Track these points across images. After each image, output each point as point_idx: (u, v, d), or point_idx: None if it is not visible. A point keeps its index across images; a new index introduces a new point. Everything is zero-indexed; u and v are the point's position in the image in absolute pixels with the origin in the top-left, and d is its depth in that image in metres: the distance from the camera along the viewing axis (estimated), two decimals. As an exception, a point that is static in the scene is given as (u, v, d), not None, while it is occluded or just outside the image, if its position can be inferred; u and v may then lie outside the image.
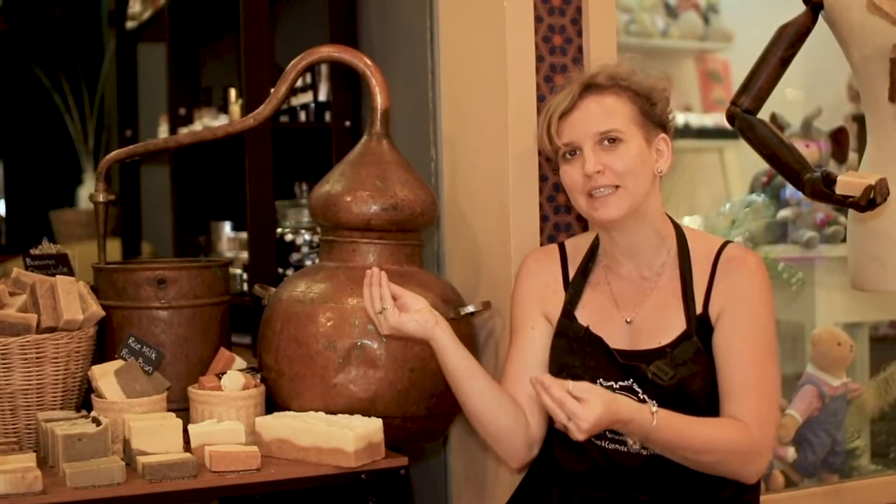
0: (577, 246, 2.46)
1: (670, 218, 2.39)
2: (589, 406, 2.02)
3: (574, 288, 2.40)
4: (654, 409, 2.13)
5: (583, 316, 2.36)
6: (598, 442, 2.29)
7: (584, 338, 2.32)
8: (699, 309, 2.28)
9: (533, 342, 2.42)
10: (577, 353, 2.32)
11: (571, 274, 2.43)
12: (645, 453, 2.26)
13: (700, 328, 2.27)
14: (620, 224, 2.29)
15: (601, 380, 2.27)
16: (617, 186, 2.25)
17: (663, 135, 2.33)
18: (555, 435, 2.38)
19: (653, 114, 2.31)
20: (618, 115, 2.26)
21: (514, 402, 2.36)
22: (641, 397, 2.24)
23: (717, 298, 2.28)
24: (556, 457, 2.38)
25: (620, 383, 2.26)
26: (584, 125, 2.26)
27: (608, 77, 2.29)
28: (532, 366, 2.39)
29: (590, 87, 2.29)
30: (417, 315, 2.32)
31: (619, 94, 2.28)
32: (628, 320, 2.33)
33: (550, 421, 2.39)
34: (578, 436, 2.04)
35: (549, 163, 2.77)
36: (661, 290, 2.33)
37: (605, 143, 2.25)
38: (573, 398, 2.03)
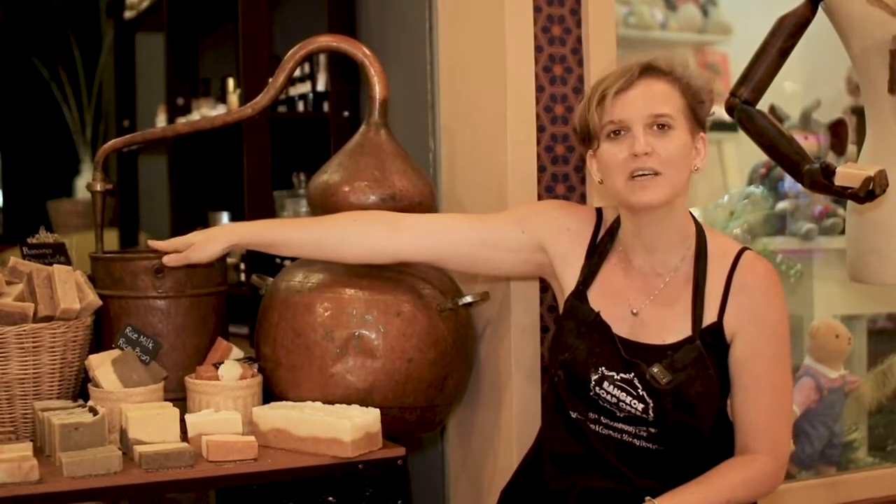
0: (607, 218, 2.42)
1: (693, 217, 2.38)
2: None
3: (590, 267, 2.38)
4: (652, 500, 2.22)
5: (593, 300, 2.35)
6: (594, 426, 2.29)
7: (592, 323, 2.31)
8: (714, 317, 2.27)
9: (499, 229, 2.46)
10: (583, 337, 2.31)
11: (597, 243, 2.40)
12: (638, 444, 2.26)
13: (710, 336, 2.26)
14: (653, 212, 2.26)
15: (603, 368, 2.27)
16: (658, 173, 2.21)
17: (703, 134, 2.31)
18: (556, 409, 2.38)
19: (698, 111, 2.29)
20: (671, 102, 2.24)
21: (359, 238, 2.48)
22: (640, 393, 2.24)
23: (733, 313, 2.27)
24: (551, 442, 2.38)
25: (622, 375, 2.26)
26: (639, 105, 2.23)
27: (666, 64, 2.27)
28: (472, 238, 2.46)
29: (648, 70, 2.26)
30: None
31: (673, 83, 2.26)
32: (634, 312, 2.31)
33: (553, 395, 2.39)
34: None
35: (549, 153, 2.76)
36: (672, 288, 2.31)
37: (655, 127, 2.22)
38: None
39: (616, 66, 2.32)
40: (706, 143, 2.31)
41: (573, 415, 2.32)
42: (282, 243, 2.52)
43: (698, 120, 2.30)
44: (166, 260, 2.48)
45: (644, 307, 2.31)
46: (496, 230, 2.46)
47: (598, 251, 2.38)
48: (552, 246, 2.42)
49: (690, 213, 2.37)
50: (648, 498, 2.22)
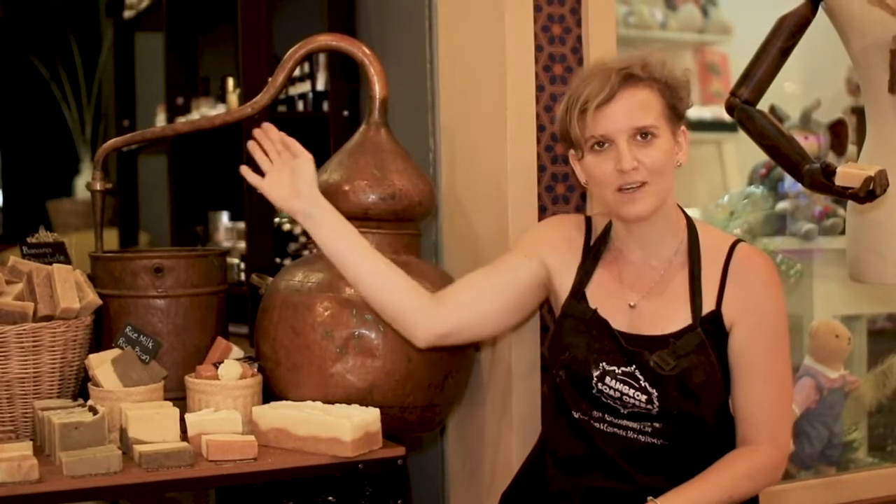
0: (598, 224, 2.44)
1: (682, 209, 2.38)
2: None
3: (585, 269, 2.38)
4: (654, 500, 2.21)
5: (590, 298, 2.35)
6: (598, 425, 2.29)
7: (590, 320, 2.32)
8: (712, 305, 2.28)
9: (510, 266, 2.42)
10: (582, 334, 2.32)
11: (590, 247, 2.41)
12: (643, 440, 2.27)
13: (710, 325, 2.27)
14: (644, 220, 2.28)
15: (604, 364, 2.27)
16: (644, 183, 2.22)
17: (683, 127, 2.31)
18: (558, 411, 2.38)
19: (678, 107, 2.28)
20: (652, 110, 2.24)
21: (408, 288, 2.38)
22: (642, 384, 2.24)
23: (731, 301, 2.28)
24: (554, 444, 2.38)
25: (623, 368, 2.26)
26: (621, 119, 2.22)
27: (644, 69, 2.25)
28: (489, 281, 2.41)
29: (627, 79, 2.23)
30: (280, 186, 2.41)
31: (651, 86, 2.25)
32: (632, 304, 2.32)
33: (554, 397, 2.39)
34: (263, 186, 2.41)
35: (549, 152, 2.76)
36: (668, 279, 2.32)
37: (639, 137, 2.22)
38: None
39: (594, 68, 2.30)
40: (687, 136, 2.33)
41: (576, 415, 2.32)
42: (344, 248, 2.39)
43: (678, 115, 2.30)
44: (244, 170, 2.43)
45: (641, 300, 2.32)
46: (508, 269, 2.42)
47: (593, 253, 2.39)
48: (551, 257, 2.41)
49: (678, 205, 2.38)
50: (651, 498, 2.22)
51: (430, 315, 2.37)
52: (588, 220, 2.46)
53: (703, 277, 2.30)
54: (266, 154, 2.45)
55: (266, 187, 2.43)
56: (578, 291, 2.36)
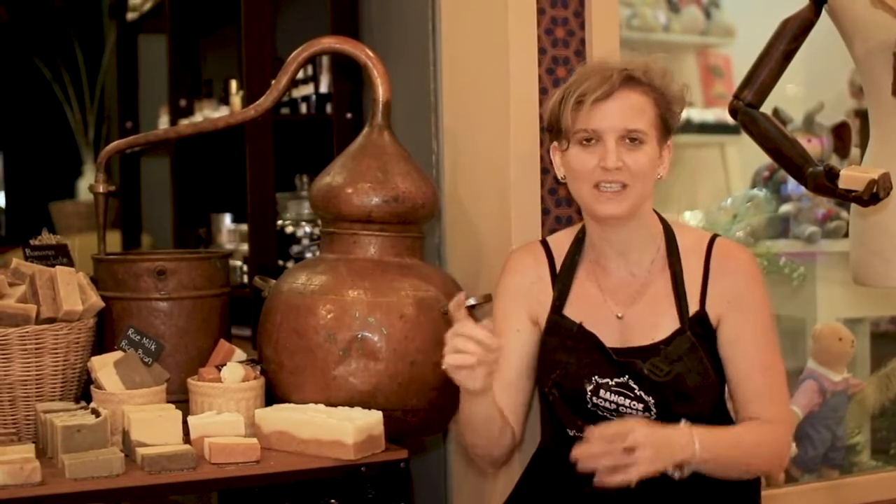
0: (560, 241, 2.44)
1: (657, 214, 2.39)
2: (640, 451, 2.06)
3: (562, 284, 2.37)
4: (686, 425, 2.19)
5: (572, 312, 2.35)
6: None
7: (577, 335, 2.31)
8: (696, 307, 2.29)
9: (516, 348, 2.37)
10: (570, 350, 2.31)
11: (558, 270, 2.40)
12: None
13: (697, 326, 2.27)
14: (618, 221, 2.28)
15: (596, 377, 2.27)
16: (625, 186, 2.23)
17: (670, 142, 2.33)
18: (553, 430, 2.38)
19: (669, 120, 2.30)
20: (645, 116, 2.25)
21: (503, 419, 2.30)
22: (637, 393, 2.24)
23: (715, 299, 2.28)
24: (556, 452, 2.37)
25: (616, 380, 2.26)
26: (614, 118, 2.23)
27: (644, 74, 2.26)
28: (514, 374, 2.36)
29: (627, 80, 2.24)
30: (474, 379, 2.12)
31: (648, 93, 2.26)
32: (619, 316, 2.32)
33: (548, 414, 2.39)
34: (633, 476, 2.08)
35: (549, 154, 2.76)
36: (651, 286, 2.32)
37: (627, 140, 2.23)
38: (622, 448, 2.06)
39: (595, 65, 2.31)
40: (671, 151, 2.34)
41: (571, 432, 2.31)
42: (481, 411, 2.24)
43: (668, 128, 2.30)
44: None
45: (628, 309, 2.32)
46: (515, 354, 2.37)
47: (566, 266, 2.39)
48: (531, 305, 2.40)
49: (654, 210, 2.38)
50: (684, 420, 2.21)
51: (508, 453, 2.40)
52: (544, 244, 2.45)
53: (685, 279, 2.30)
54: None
55: (463, 378, 2.12)
56: (559, 307, 2.36)
